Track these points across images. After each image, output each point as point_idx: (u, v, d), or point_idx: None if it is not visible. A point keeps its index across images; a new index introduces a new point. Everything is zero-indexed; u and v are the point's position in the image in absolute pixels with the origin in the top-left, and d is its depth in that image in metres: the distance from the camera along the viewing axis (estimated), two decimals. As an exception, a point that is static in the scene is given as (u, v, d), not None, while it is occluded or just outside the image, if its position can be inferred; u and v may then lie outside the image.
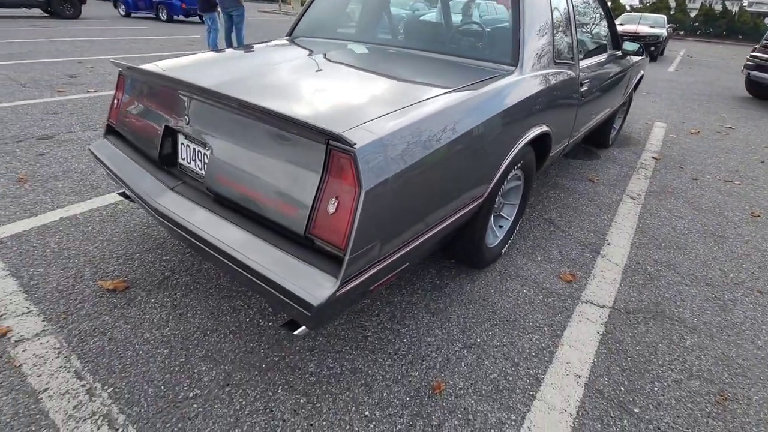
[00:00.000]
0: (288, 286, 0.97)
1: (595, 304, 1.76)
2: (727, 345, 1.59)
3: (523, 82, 1.65)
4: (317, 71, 1.58)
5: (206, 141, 1.28)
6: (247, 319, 1.54)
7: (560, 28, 1.97)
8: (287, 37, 2.35)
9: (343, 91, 1.36)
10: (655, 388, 1.38)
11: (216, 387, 1.27)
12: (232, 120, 1.22)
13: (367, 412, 1.23)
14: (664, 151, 3.91)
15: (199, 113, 1.31)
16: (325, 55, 1.84)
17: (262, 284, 1.04)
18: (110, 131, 1.75)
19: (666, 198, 2.88)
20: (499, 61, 1.75)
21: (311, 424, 1.18)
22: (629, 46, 2.88)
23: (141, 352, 1.37)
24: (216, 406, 1.21)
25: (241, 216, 1.21)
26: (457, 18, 2.33)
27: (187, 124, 1.33)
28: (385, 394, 1.29)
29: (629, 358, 1.49)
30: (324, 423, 1.19)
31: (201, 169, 1.34)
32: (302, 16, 2.42)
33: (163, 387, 1.26)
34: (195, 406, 1.21)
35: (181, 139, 1.42)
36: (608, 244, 2.24)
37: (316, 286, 0.97)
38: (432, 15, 2.56)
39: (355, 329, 1.54)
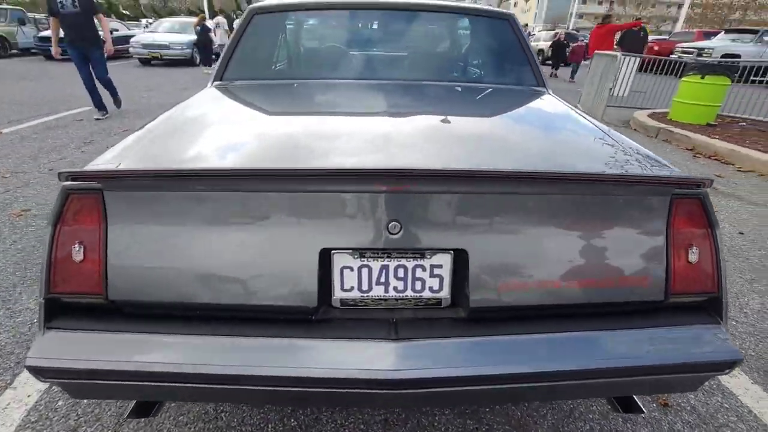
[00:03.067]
0: (701, 359, 0.92)
1: None
2: None
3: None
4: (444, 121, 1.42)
5: (434, 246, 0.93)
6: None
7: None
8: (220, 83, 1.80)
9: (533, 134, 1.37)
10: None
11: None
12: (501, 204, 0.95)
13: None
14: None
15: (424, 210, 0.92)
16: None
17: (662, 376, 0.94)
18: (61, 309, 0.94)
19: None
20: (530, 84, 1.91)
21: None
22: None
23: None
24: None
25: (535, 323, 0.98)
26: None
27: (397, 233, 0.90)
28: None
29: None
30: None
31: (434, 289, 0.96)
32: (233, 53, 1.88)
33: None
34: None
35: (348, 260, 0.94)
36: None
37: (717, 342, 0.95)
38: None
39: None
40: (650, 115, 6.37)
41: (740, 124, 6.14)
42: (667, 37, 18.56)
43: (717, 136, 5.17)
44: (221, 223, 0.92)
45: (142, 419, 1.38)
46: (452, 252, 0.94)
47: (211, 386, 0.89)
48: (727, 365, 0.94)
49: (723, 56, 11.59)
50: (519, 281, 0.95)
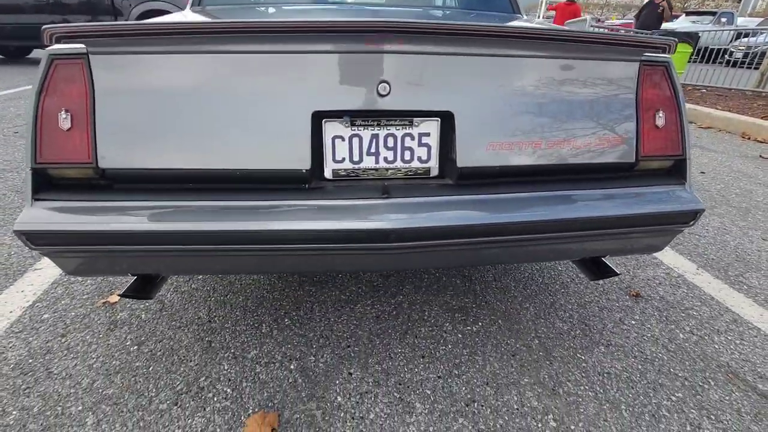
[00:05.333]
0: (668, 209, 1.01)
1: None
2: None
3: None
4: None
5: (423, 108, 0.95)
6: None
7: None
8: (197, 7, 1.73)
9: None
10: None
11: None
12: (486, 66, 0.98)
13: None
14: None
15: (413, 70, 0.94)
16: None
17: (633, 229, 1.01)
18: (50, 183, 0.93)
19: None
20: (508, 11, 1.91)
21: None
22: None
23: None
24: None
25: (519, 184, 1.04)
26: None
27: (386, 94, 0.93)
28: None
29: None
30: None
31: (423, 159, 1.00)
32: None
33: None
34: None
35: (339, 129, 0.95)
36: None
37: (682, 196, 1.04)
38: None
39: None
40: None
41: (701, 91, 6.46)
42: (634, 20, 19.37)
43: (680, 99, 5.46)
44: (213, 86, 0.91)
45: (134, 319, 1.39)
46: (439, 119, 0.97)
47: (209, 247, 0.90)
48: (691, 215, 1.03)
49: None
50: (502, 143, 0.99)
